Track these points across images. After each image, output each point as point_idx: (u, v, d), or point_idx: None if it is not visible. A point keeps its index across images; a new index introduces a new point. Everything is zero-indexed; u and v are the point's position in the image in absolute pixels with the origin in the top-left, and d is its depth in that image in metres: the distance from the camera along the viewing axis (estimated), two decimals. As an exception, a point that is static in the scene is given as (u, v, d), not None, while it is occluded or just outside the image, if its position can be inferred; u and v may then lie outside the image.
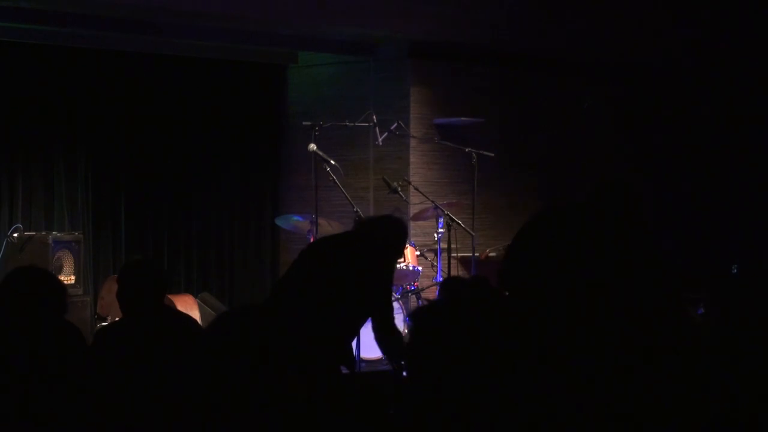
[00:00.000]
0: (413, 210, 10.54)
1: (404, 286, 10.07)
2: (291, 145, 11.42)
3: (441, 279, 10.01)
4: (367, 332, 9.38)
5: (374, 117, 10.23)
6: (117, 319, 9.47)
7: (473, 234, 10.13)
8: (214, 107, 11.16)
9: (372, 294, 6.45)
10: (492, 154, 10.50)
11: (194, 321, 5.52)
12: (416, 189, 10.43)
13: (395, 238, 6.62)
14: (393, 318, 6.63)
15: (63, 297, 4.76)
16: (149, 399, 4.68)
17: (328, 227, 9.92)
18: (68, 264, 9.51)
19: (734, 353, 2.87)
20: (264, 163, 11.56)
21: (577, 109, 11.72)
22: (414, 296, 10.17)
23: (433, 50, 10.89)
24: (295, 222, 10.03)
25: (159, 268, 5.60)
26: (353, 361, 6.97)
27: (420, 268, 9.99)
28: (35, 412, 4.42)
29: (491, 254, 10.53)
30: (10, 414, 4.37)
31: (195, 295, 10.41)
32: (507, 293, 2.52)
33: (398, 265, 9.87)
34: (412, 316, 2.48)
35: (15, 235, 9.50)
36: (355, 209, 9.29)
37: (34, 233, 9.55)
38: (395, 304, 9.70)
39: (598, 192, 5.18)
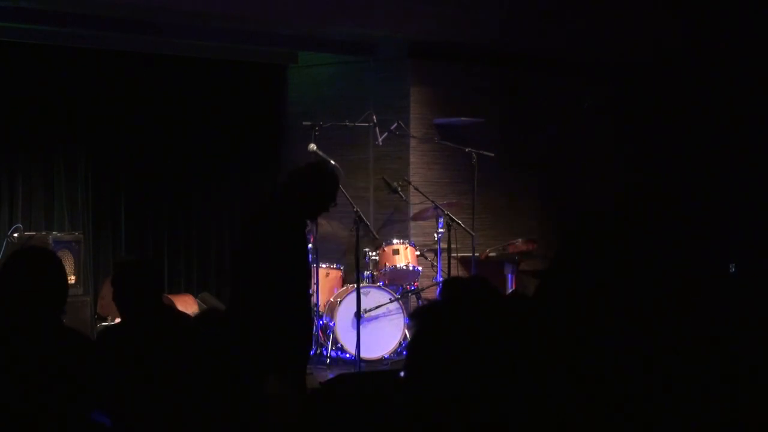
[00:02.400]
0: (413, 210, 10.55)
1: (404, 286, 10.07)
2: (291, 145, 11.42)
3: (441, 279, 10.02)
4: (367, 332, 9.40)
5: (374, 117, 10.23)
6: (117, 320, 9.50)
7: (473, 234, 10.13)
8: (214, 107, 11.16)
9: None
10: (492, 154, 10.50)
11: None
12: (416, 189, 10.44)
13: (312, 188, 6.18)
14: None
15: (64, 284, 4.57)
16: (155, 400, 4.66)
17: (328, 227, 9.93)
18: (68, 264, 9.50)
19: (734, 353, 2.87)
20: (264, 163, 11.55)
21: (577, 109, 11.72)
22: (414, 296, 10.18)
23: (433, 50, 10.89)
24: (295, 222, 10.02)
25: (156, 268, 5.55)
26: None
27: (420, 268, 9.99)
28: (34, 412, 4.42)
29: (491, 254, 10.53)
30: (10, 413, 4.37)
31: (195, 295, 10.42)
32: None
33: (398, 265, 9.89)
34: (412, 316, 2.49)
35: (15, 235, 9.51)
36: (355, 209, 9.29)
37: (34, 233, 9.55)
38: (395, 304, 9.72)
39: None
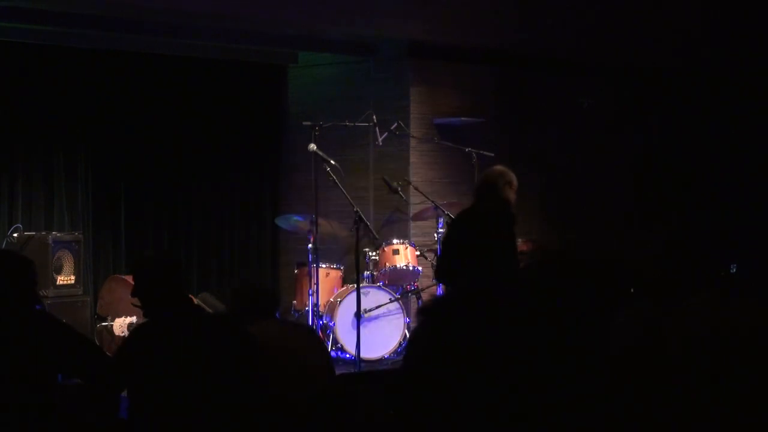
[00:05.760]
0: (413, 210, 10.54)
1: (404, 286, 10.07)
2: (291, 145, 11.42)
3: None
4: (367, 332, 9.40)
5: (374, 117, 10.23)
6: (119, 320, 9.48)
7: (473, 234, 10.11)
8: (214, 107, 11.16)
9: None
10: (492, 154, 10.49)
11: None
12: (416, 189, 10.43)
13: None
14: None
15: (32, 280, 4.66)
16: (185, 395, 4.58)
17: (328, 227, 9.93)
18: (68, 264, 9.50)
19: (733, 355, 2.88)
20: (264, 163, 11.56)
21: (577, 109, 11.72)
22: (414, 296, 10.17)
23: (433, 50, 10.89)
24: (295, 222, 10.03)
25: (178, 261, 5.49)
26: None
27: (420, 268, 9.99)
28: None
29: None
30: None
31: (195, 295, 10.41)
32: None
33: (398, 265, 9.89)
34: (418, 313, 2.49)
35: (15, 235, 9.50)
36: (355, 209, 9.29)
37: (34, 233, 9.55)
38: (395, 305, 9.73)
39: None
